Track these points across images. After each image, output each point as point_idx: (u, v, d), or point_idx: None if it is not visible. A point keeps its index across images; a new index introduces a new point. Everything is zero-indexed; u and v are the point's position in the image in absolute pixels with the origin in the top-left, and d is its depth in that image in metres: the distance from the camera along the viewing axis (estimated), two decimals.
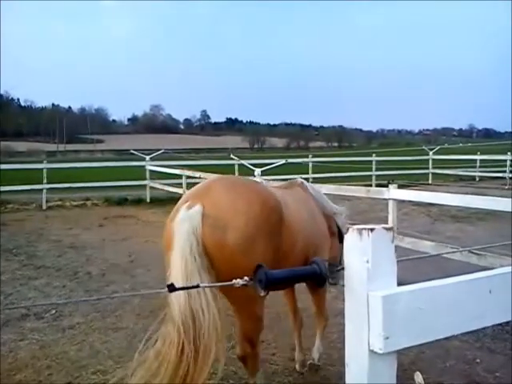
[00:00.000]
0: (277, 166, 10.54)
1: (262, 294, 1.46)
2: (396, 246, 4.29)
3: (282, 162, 11.21)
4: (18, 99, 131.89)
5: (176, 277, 2.58)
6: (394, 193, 6.02)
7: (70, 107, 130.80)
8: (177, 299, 2.49)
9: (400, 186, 8.15)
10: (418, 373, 2.26)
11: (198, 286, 2.18)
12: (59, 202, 15.29)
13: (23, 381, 3.92)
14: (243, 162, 10.82)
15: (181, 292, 2.44)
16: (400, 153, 28.57)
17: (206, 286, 2.23)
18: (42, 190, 14.73)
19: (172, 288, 1.71)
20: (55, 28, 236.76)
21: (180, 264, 2.60)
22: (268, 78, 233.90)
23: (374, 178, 20.32)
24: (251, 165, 10.73)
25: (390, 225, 4.76)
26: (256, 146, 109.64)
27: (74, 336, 4.84)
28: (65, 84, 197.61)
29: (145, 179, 16.29)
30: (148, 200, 15.88)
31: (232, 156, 12.04)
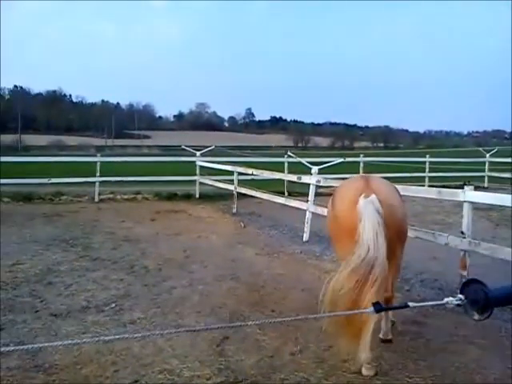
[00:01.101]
0: (334, 165, 10.23)
1: (476, 318, 1.20)
2: (472, 252, 4.00)
3: (340, 160, 10.88)
4: (70, 95, 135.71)
5: (368, 241, 3.69)
6: (470, 195, 5.61)
7: (118, 103, 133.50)
8: (367, 244, 3.66)
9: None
10: None
11: (407, 306, 2.14)
12: (111, 195, 15.45)
13: (90, 376, 3.82)
14: (300, 159, 10.54)
15: (370, 242, 3.65)
16: (452, 154, 27.58)
17: (414, 306, 2.19)
18: (94, 182, 14.93)
19: (378, 308, 1.64)
20: (107, 27, 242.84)
21: (372, 232, 3.72)
22: (313, 77, 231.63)
23: (427, 179, 19.68)
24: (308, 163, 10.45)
25: (464, 229, 4.44)
26: (300, 144, 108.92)
27: (136, 331, 4.72)
28: (114, 81, 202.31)
29: (194, 175, 16.27)
30: (197, 196, 15.86)
31: (289, 154, 11.77)
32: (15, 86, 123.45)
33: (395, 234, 4.05)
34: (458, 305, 1.28)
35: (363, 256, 3.59)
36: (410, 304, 2.12)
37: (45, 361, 4.09)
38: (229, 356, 4.23)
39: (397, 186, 6.95)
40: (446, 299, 1.35)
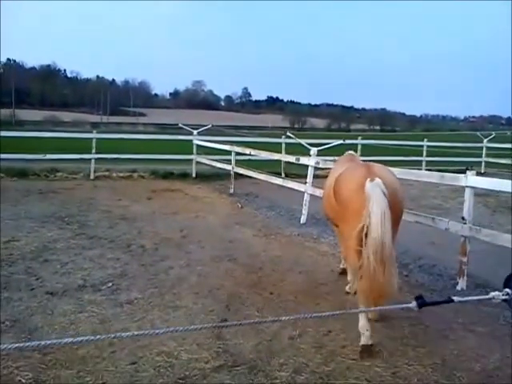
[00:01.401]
0: (333, 146, 10.12)
1: None
2: (473, 238, 3.94)
3: (340, 142, 10.76)
4: (65, 70, 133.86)
5: (377, 221, 3.95)
6: (472, 180, 5.54)
7: (113, 80, 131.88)
8: (376, 231, 3.91)
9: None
10: None
11: (451, 301, 2.07)
12: (106, 173, 15.30)
13: (86, 356, 3.78)
14: (300, 140, 10.41)
15: (378, 227, 3.91)
16: (449, 138, 27.47)
17: (460, 301, 2.17)
18: (90, 159, 14.77)
19: (421, 302, 1.58)
20: (100, 2, 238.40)
21: (380, 213, 3.97)
22: (310, 58, 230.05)
23: (424, 163, 19.63)
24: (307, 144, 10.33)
25: (465, 215, 4.37)
26: (296, 125, 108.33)
27: (134, 312, 4.68)
28: (110, 57, 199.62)
29: (191, 154, 16.12)
30: (194, 175, 15.73)
31: (289, 134, 11.64)
32: (8, 60, 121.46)
33: (396, 217, 4.35)
34: (505, 300, 1.21)
35: (375, 237, 3.94)
36: (455, 298, 2.05)
37: (41, 339, 4.02)
38: (227, 339, 4.19)
39: (399, 170, 6.92)
40: (492, 293, 1.29)
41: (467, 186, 5.66)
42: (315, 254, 7.05)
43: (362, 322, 4.14)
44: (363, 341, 4.08)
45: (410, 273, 6.35)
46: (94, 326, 4.33)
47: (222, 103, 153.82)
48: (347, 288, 5.44)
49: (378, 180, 4.15)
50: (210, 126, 17.78)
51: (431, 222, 6.25)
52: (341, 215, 4.65)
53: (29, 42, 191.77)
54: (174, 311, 4.75)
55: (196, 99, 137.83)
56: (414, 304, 2.04)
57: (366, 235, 3.97)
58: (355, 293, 4.67)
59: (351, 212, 4.32)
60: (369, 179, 4.18)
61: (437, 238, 7.62)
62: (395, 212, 4.24)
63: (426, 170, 18.01)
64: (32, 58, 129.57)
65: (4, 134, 14.43)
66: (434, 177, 6.29)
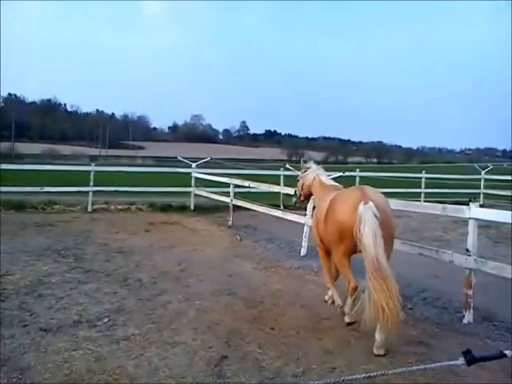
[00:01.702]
0: (333, 178, 10.02)
1: None
2: (478, 271, 3.81)
3: (339, 174, 10.72)
4: (65, 104, 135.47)
5: (368, 241, 4.43)
6: (476, 211, 5.46)
7: (113, 114, 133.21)
8: (369, 250, 4.41)
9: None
10: None
11: (504, 356, 1.91)
12: (104, 205, 15.20)
13: None
14: (299, 173, 10.35)
15: (371, 246, 4.40)
16: (446, 170, 27.56)
17: None
18: (88, 192, 14.69)
19: (471, 358, 1.48)
20: (102, 36, 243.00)
21: (372, 234, 4.43)
22: (307, 92, 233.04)
23: (423, 195, 19.62)
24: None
25: (470, 247, 4.27)
26: (294, 158, 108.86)
27: (130, 349, 4.51)
28: (109, 91, 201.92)
29: (190, 186, 16.07)
30: (192, 207, 15.64)
31: (288, 166, 11.61)
32: (9, 94, 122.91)
33: (388, 237, 4.74)
34: None
35: (372, 255, 4.40)
36: (507, 353, 1.87)
37: (33, 379, 3.86)
38: (228, 377, 4.02)
39: (402, 202, 6.86)
40: None
41: (471, 218, 5.58)
42: (316, 288, 6.89)
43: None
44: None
45: (414, 306, 6.20)
46: (89, 364, 4.15)
47: (221, 137, 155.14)
48: (326, 297, 6.13)
49: (370, 203, 4.60)
50: (208, 158, 17.79)
51: (435, 254, 6.13)
52: (333, 237, 5.03)
53: (29, 76, 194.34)
54: (172, 348, 4.57)
55: (194, 133, 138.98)
56: (461, 361, 1.83)
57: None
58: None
59: (346, 234, 4.76)
60: (362, 202, 4.63)
61: (439, 270, 7.49)
62: (387, 232, 4.63)
63: (425, 201, 17.97)
64: (33, 92, 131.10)
65: (3, 166, 14.39)
66: (437, 209, 6.20)
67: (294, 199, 7.19)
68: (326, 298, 6.10)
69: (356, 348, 4.77)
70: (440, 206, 6.17)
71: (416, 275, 7.44)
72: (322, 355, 4.54)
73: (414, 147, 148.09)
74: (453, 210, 5.94)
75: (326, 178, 6.38)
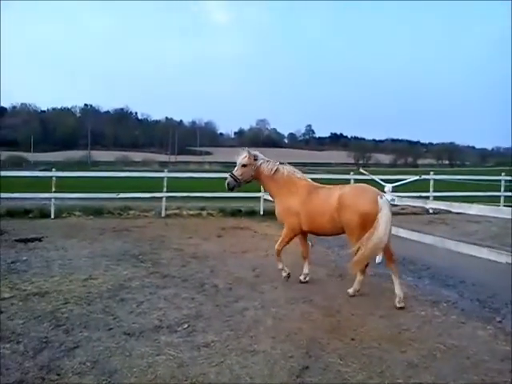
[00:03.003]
0: (409, 182, 9.72)
1: None
2: None
3: (416, 177, 10.33)
4: (136, 113, 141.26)
5: (385, 230, 5.92)
6: None
7: (181, 120, 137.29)
8: (383, 232, 5.91)
9: None
10: None
11: None
12: (177, 211, 15.60)
13: None
14: (374, 177, 10.10)
15: (385, 231, 5.94)
16: None
17: None
18: (161, 198, 15.14)
19: None
20: (170, 45, 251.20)
21: (387, 223, 5.95)
22: (374, 93, 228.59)
23: (502, 199, 18.58)
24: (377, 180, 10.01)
25: None
26: (361, 161, 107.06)
27: (211, 356, 4.52)
28: (178, 99, 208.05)
29: (259, 191, 16.13)
30: (262, 212, 15.71)
31: (362, 170, 11.39)
32: (85, 105, 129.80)
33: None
34: None
35: (381, 237, 5.91)
36: None
37: (120, 382, 3.96)
38: None
39: (488, 207, 6.50)
40: None
41: None
42: (395, 297, 6.64)
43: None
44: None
45: (503, 318, 5.82)
46: (172, 369, 4.20)
47: (286, 141, 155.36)
48: (301, 278, 7.31)
49: (384, 197, 6.32)
50: (276, 163, 17.79)
51: None
52: (363, 225, 6.12)
53: (104, 87, 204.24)
54: (252, 356, 4.54)
55: (260, 137, 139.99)
56: None
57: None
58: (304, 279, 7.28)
59: (370, 221, 6.03)
60: (379, 196, 6.22)
61: None
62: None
63: (505, 206, 17.00)
64: (107, 102, 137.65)
65: (82, 174, 15.13)
66: None
67: (232, 184, 7.32)
68: (302, 278, 7.31)
69: (442, 362, 4.53)
70: None
71: (501, 285, 7.02)
72: (406, 369, 4.35)
73: (489, 148, 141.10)
74: None
75: (301, 174, 7.36)
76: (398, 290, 6.23)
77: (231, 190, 7.45)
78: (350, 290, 6.70)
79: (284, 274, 7.32)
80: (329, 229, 6.73)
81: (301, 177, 7.28)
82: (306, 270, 7.39)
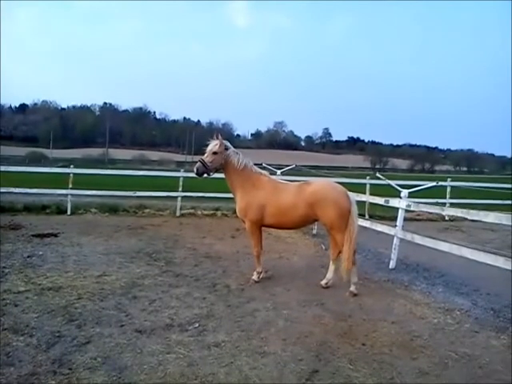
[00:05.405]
0: (426, 188, 9.60)
1: None
2: None
3: (433, 184, 10.23)
4: (154, 112, 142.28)
5: (355, 220, 6.97)
6: None
7: (199, 121, 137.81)
8: (355, 222, 6.96)
9: None
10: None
11: None
12: (191, 210, 15.64)
13: None
14: (390, 182, 10.02)
15: (356, 221, 7.02)
16: None
17: None
18: (177, 197, 15.21)
19: None
20: (190, 47, 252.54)
21: (356, 215, 6.99)
22: (392, 98, 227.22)
23: None
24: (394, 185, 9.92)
25: None
26: (378, 166, 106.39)
27: (221, 356, 4.54)
28: (196, 100, 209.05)
29: None
30: None
31: (378, 175, 11.31)
32: (105, 103, 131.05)
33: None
34: None
35: (355, 227, 6.91)
36: None
37: (131, 379, 4.00)
38: None
39: (499, 214, 6.41)
40: None
41: None
42: (408, 303, 6.60)
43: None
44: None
45: None
46: (182, 368, 4.23)
47: (303, 143, 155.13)
48: (323, 282, 7.38)
49: (351, 193, 7.15)
50: (293, 165, 17.73)
51: None
52: (343, 218, 6.86)
53: (123, 85, 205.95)
54: (262, 357, 4.55)
55: (277, 140, 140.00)
56: None
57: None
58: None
59: (346, 214, 6.87)
60: (347, 193, 7.02)
61: None
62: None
63: None
64: (126, 100, 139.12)
65: (99, 171, 15.26)
66: None
67: (201, 170, 7.22)
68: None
69: (454, 371, 4.49)
70: None
71: None
72: (417, 376, 4.32)
73: (509, 155, 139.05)
74: None
75: (265, 172, 7.58)
76: (329, 275, 7.39)
77: (200, 175, 7.29)
78: (323, 282, 7.34)
79: (255, 278, 7.36)
80: (299, 222, 7.18)
81: (264, 173, 7.49)
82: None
